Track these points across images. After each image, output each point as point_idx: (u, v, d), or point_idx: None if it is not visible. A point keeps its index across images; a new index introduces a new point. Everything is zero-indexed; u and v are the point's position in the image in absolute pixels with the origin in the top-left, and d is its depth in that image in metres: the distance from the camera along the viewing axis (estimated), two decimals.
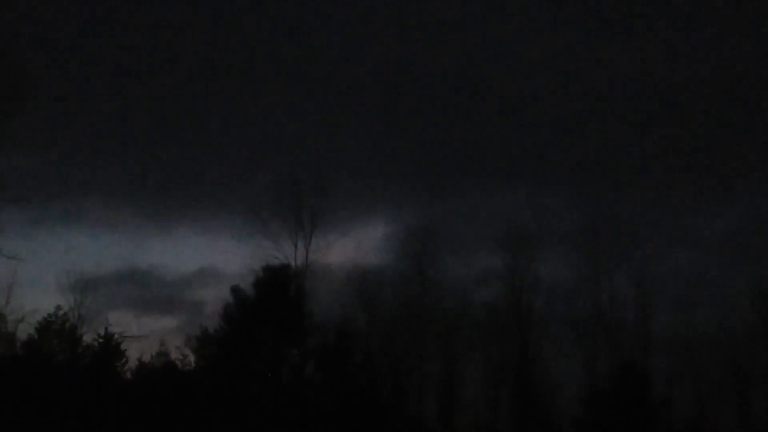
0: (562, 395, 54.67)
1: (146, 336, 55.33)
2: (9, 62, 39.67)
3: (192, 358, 51.56)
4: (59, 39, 69.66)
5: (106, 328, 51.54)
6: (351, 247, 62.32)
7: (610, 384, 50.40)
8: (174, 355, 52.85)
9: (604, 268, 56.73)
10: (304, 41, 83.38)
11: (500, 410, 55.02)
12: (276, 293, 47.28)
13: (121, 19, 75.67)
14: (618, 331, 55.42)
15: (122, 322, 71.52)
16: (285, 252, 50.93)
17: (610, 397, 49.34)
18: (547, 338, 55.23)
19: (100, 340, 51.35)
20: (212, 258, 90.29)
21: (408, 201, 68.76)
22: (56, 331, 50.62)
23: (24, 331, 50.03)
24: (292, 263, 50.23)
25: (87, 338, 51.27)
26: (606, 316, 55.95)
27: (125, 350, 52.52)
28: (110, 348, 51.59)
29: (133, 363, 53.32)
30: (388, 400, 50.48)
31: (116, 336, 51.62)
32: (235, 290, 47.98)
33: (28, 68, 40.40)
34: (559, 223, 60.05)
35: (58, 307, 50.75)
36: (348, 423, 45.42)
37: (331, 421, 45.37)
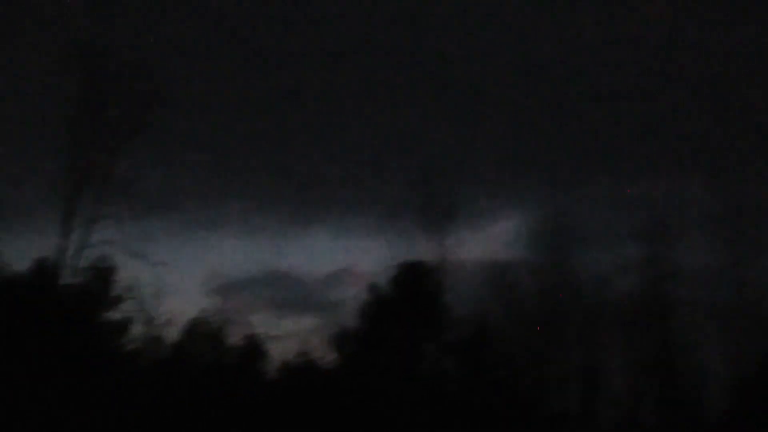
0: (707, 385, 53.35)
1: (288, 336, 56.29)
2: (144, 73, 41.40)
3: (332, 356, 52.10)
4: (192, 48, 71.57)
5: (248, 330, 52.94)
6: (485, 242, 61.89)
7: (758, 373, 48.91)
8: (315, 354, 53.52)
9: (746, 253, 55.16)
10: (426, 38, 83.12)
11: (644, 401, 53.90)
12: (412, 289, 47.71)
13: (246, 24, 76.91)
14: (763, 319, 53.69)
15: (264, 323, 73.43)
16: (419, 248, 51.04)
17: (758, 386, 47.89)
18: (690, 327, 53.97)
19: (244, 342, 52.67)
20: (349, 258, 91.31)
21: (541, 192, 67.86)
22: (201, 333, 52.02)
23: (171, 335, 51.73)
24: (427, 259, 50.31)
25: (231, 340, 52.60)
26: (750, 303, 54.26)
27: (268, 350, 53.67)
28: (253, 349, 52.79)
29: (276, 363, 54.36)
30: (528, 394, 50.02)
31: (259, 337, 52.85)
32: (372, 288, 48.62)
33: (163, 78, 41.78)
34: (699, 209, 58.55)
35: (203, 310, 52.18)
36: (487, 417, 45.31)
37: (471, 416, 45.34)
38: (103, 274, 46.67)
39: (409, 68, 79.21)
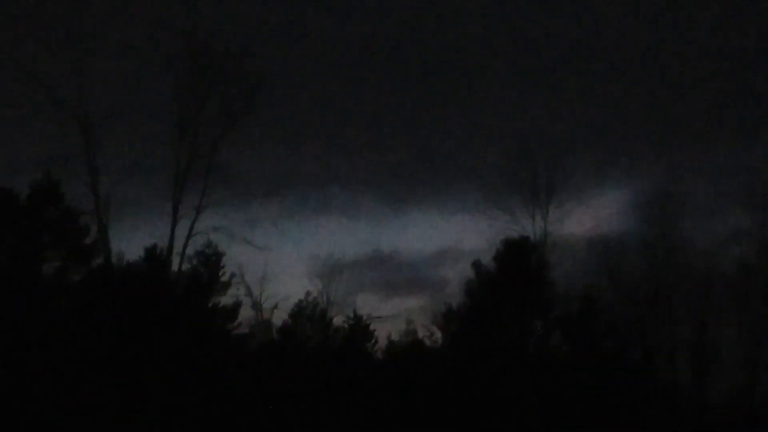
0: None
1: (393, 316, 56.50)
2: (247, 61, 41.84)
3: (438, 335, 52.22)
4: (293, 31, 72.18)
5: (354, 311, 53.32)
6: (589, 215, 61.10)
7: None
8: (421, 333, 53.69)
9: None
10: (527, 8, 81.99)
11: (758, 373, 52.60)
12: (517, 266, 47.30)
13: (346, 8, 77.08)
14: None
15: (369, 304, 74.17)
16: (523, 224, 50.65)
17: None
18: None
19: (350, 323, 53.10)
20: (452, 236, 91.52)
21: (646, 163, 66.68)
22: (308, 315, 52.58)
23: (279, 318, 52.46)
24: (531, 235, 49.89)
25: (337, 321, 53.14)
26: None
27: (374, 331, 54.00)
28: (359, 329, 53.16)
29: (382, 343, 54.72)
30: (637, 368, 49.27)
31: (364, 317, 53.21)
32: (476, 265, 48.45)
33: (266, 64, 42.15)
34: None
35: (309, 293, 52.72)
36: (596, 392, 44.83)
37: (579, 391, 44.93)
38: (211, 261, 47.53)
39: (507, 40, 78.45)
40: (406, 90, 77.84)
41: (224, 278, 48.29)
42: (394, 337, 55.22)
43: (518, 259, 47.56)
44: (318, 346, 52.28)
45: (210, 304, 47.92)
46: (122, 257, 44.59)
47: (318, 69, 70.46)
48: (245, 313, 49.65)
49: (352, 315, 53.11)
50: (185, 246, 43.18)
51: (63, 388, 36.91)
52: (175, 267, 44.07)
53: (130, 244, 49.17)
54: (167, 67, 42.31)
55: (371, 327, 53.71)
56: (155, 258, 44.71)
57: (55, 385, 37.04)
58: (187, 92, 41.99)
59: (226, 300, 48.45)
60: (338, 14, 76.85)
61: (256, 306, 50.05)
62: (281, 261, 68.05)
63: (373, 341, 54.09)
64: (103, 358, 37.92)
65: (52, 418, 36.01)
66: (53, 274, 41.84)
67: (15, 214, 41.32)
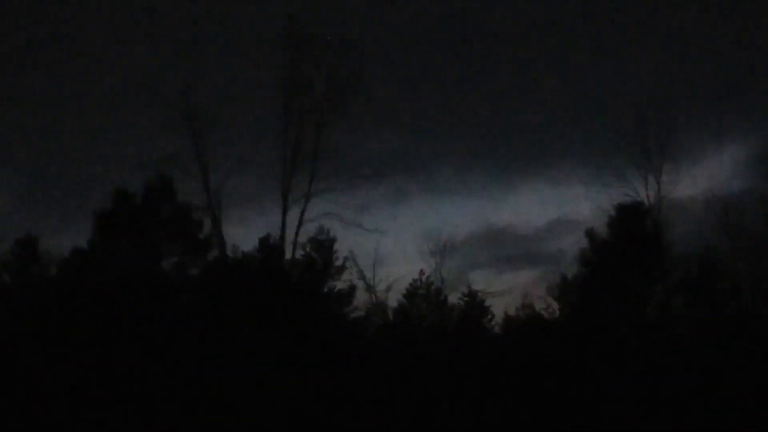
0: None
1: (508, 291, 56.24)
2: (352, 45, 41.91)
3: (555, 306, 51.68)
4: (392, 12, 72.34)
5: (469, 287, 53.11)
6: (705, 176, 59.48)
7: None
8: (538, 306, 53.20)
9: None
10: None
11: None
12: (632, 231, 46.39)
13: None
14: None
15: (484, 279, 73.70)
16: (636, 189, 49.34)
17: None
18: None
19: (465, 299, 52.97)
20: (564, 206, 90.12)
21: (762, 117, 64.56)
22: (422, 295, 52.61)
23: (393, 299, 52.63)
24: (645, 199, 48.74)
25: (452, 299, 52.97)
26: None
27: (490, 306, 53.78)
28: (475, 306, 53.02)
29: (499, 318, 54.48)
30: (761, 328, 47.81)
31: (479, 293, 53.02)
32: (590, 233, 47.73)
33: (370, 48, 42.15)
34: None
35: (422, 272, 52.72)
36: (723, 357, 43.73)
37: (704, 356, 43.92)
38: (323, 247, 48.04)
39: (612, 7, 76.97)
40: (512, 60, 77.08)
41: (337, 263, 48.93)
42: (511, 311, 54.89)
43: (633, 225, 46.63)
44: (434, 324, 52.31)
45: (325, 290, 48.53)
46: (237, 249, 45.41)
47: (420, 48, 70.49)
48: (360, 297, 49.99)
49: (466, 292, 52.99)
50: (297, 234, 43.55)
51: (188, 379, 37.90)
52: (288, 255, 44.50)
53: (243, 235, 49.97)
54: (269, 57, 42.67)
55: (487, 303, 53.53)
56: (269, 248, 45.43)
57: (180, 376, 38.06)
58: (290, 80, 42.29)
59: (340, 285, 49.18)
60: None
61: (371, 289, 50.17)
62: (393, 242, 68.27)
63: (489, 317, 53.93)
64: (225, 348, 38.73)
65: (177, 408, 37.08)
66: (172, 270, 42.97)
67: (132, 213, 42.55)
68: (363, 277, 49.58)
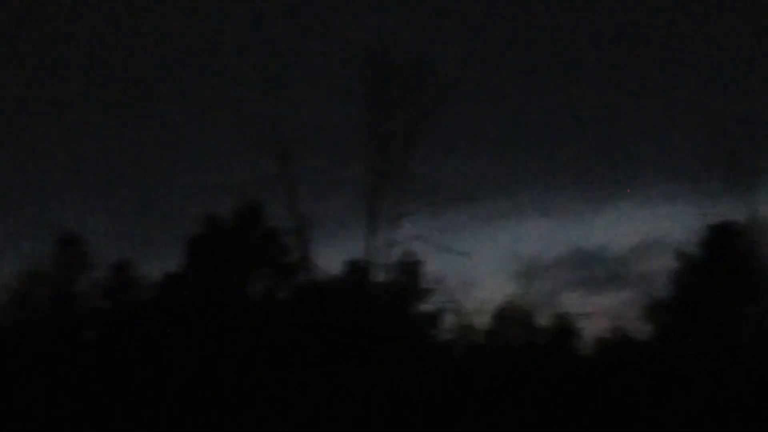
0: None
1: (598, 313, 55.42)
2: (438, 68, 42.06)
3: (646, 328, 50.83)
4: (472, 35, 72.53)
5: (557, 310, 52.71)
6: None
7: None
8: (628, 327, 52.42)
9: None
10: None
11: None
12: (724, 251, 45.60)
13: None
14: None
15: (573, 302, 72.95)
16: (729, 208, 48.34)
17: None
18: None
19: (554, 322, 52.50)
20: (653, 227, 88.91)
21: None
22: (511, 318, 52.35)
23: (482, 322, 52.42)
24: (738, 218, 47.72)
25: (541, 321, 52.58)
26: None
27: (579, 329, 53.22)
28: (564, 328, 52.53)
29: (589, 340, 53.85)
30: None
31: (569, 316, 52.48)
32: (681, 254, 47.01)
33: (452, 71, 42.21)
34: None
35: (511, 295, 52.49)
36: None
37: None
38: (410, 269, 48.13)
39: (701, 24, 75.99)
40: (596, 84, 76.54)
41: (424, 286, 48.93)
42: (600, 334, 54.17)
43: (726, 244, 45.77)
44: (523, 347, 51.93)
45: (413, 313, 48.57)
46: (325, 272, 45.74)
47: (506, 70, 70.28)
48: (448, 320, 49.89)
49: (555, 314, 52.53)
50: (384, 257, 43.67)
51: (277, 402, 38.33)
52: (376, 278, 44.63)
53: (331, 259, 50.34)
54: (356, 80, 43.00)
55: (576, 325, 52.96)
56: (356, 271, 45.66)
57: (269, 401, 38.51)
58: (376, 103, 42.54)
59: (427, 307, 49.13)
60: (511, 15, 76.56)
61: (458, 311, 50.07)
62: (481, 265, 67.99)
63: (578, 339, 53.33)
64: (313, 372, 39.06)
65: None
66: (260, 294, 43.56)
67: (221, 238, 43.31)
68: (450, 300, 49.55)
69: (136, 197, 60.65)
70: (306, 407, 38.26)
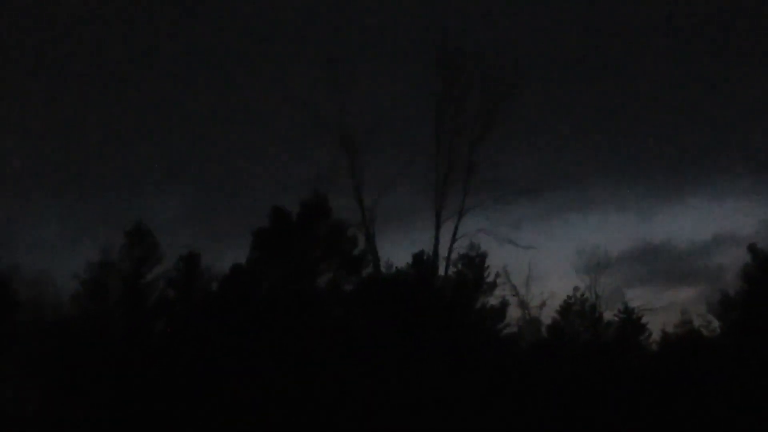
0: None
1: (666, 307, 55.00)
2: (505, 60, 41.74)
3: (716, 323, 50.23)
4: (541, 28, 72.22)
5: (625, 304, 52.29)
6: None
7: None
8: (697, 322, 51.85)
9: None
10: None
11: None
12: None
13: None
14: None
15: (640, 296, 72.49)
16: None
17: None
18: None
19: (621, 316, 52.09)
20: (724, 221, 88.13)
21: None
22: (577, 312, 52.04)
23: (547, 316, 52.23)
24: None
25: (607, 316, 52.19)
26: None
27: (646, 323, 52.75)
28: (631, 323, 52.09)
29: (656, 335, 53.37)
30: None
31: (636, 310, 52.04)
32: (753, 248, 46.41)
33: (520, 63, 41.92)
34: None
35: (576, 289, 52.17)
36: None
37: None
38: (475, 263, 48.05)
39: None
40: (666, 78, 75.72)
41: (490, 279, 48.86)
42: (669, 328, 53.63)
43: None
44: (588, 341, 51.58)
45: (477, 306, 48.48)
46: (390, 265, 45.89)
47: (575, 64, 69.89)
48: (513, 313, 49.79)
49: (622, 308, 52.11)
50: (450, 250, 43.49)
51: (342, 393, 38.51)
52: (441, 271, 44.55)
53: (397, 251, 50.53)
54: (423, 74, 42.89)
55: (643, 320, 52.47)
56: (422, 264, 45.69)
57: (334, 390, 38.71)
58: (443, 96, 42.35)
59: (493, 301, 49.08)
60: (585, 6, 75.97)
61: (524, 305, 49.91)
62: (547, 258, 67.77)
63: (646, 334, 52.87)
64: (378, 363, 39.14)
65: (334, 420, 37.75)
66: (327, 286, 43.74)
67: (288, 231, 43.56)
68: (516, 294, 49.40)
69: (205, 190, 61.41)
70: (372, 398, 38.39)
